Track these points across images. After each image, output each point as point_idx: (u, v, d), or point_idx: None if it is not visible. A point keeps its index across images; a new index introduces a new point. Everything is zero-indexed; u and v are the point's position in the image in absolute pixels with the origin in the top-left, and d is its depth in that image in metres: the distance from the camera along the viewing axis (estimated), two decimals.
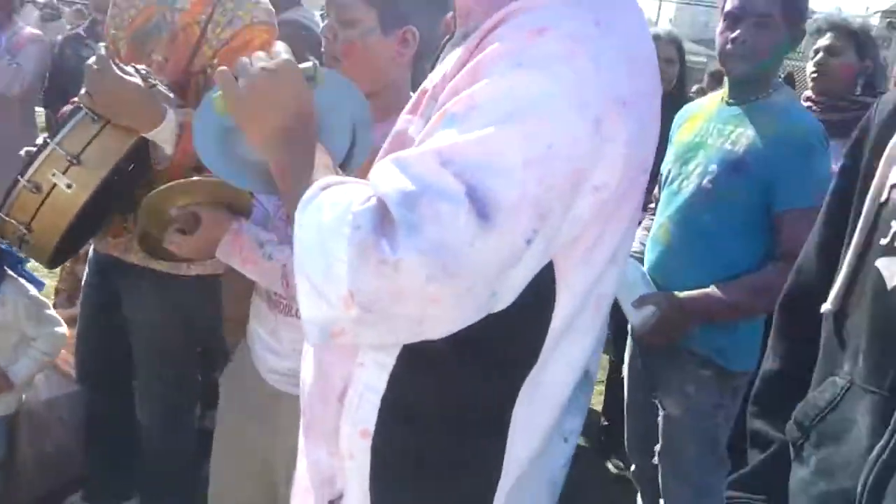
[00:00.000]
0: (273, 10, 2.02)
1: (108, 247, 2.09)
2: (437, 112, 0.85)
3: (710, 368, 1.93)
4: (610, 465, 3.23)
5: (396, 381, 0.93)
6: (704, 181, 1.90)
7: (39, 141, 1.72)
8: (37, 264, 2.01)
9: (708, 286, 1.86)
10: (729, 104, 1.98)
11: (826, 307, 0.97)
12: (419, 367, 0.91)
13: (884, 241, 0.89)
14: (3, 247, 2.22)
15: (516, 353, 0.93)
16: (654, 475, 2.13)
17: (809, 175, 1.75)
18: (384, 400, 0.94)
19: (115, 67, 1.68)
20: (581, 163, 0.81)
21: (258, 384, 1.61)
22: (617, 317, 1.98)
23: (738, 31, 1.89)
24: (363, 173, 0.93)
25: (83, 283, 2.32)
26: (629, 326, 2.07)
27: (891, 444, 0.84)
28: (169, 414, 2.23)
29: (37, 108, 4.33)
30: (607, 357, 3.37)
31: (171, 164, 1.80)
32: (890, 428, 0.84)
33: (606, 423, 3.36)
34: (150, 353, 2.17)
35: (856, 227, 0.94)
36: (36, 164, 1.64)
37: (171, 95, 1.79)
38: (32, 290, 2.36)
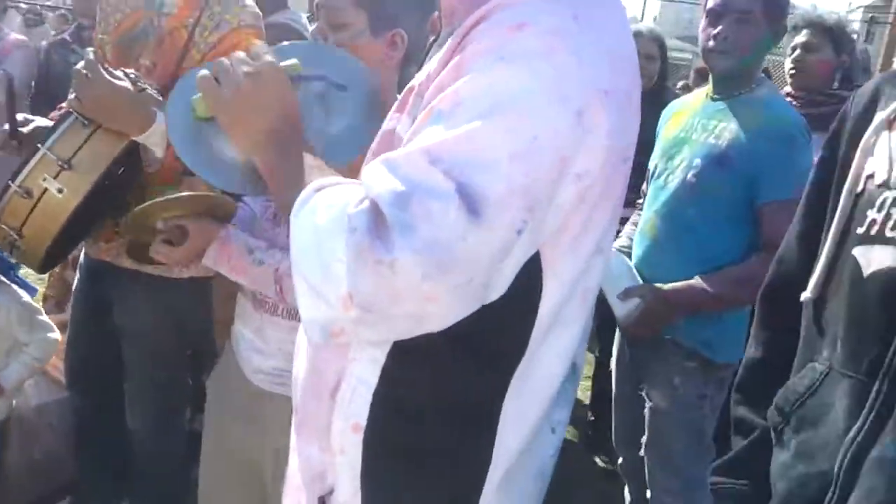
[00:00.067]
0: (260, 13, 2.04)
1: (100, 252, 2.09)
2: (423, 110, 0.87)
3: (696, 360, 1.95)
4: (598, 460, 3.26)
5: (388, 375, 0.94)
6: (689, 175, 1.93)
7: None
8: (28, 270, 2.02)
9: (693, 278, 1.90)
10: (713, 100, 2.01)
11: (806, 295, 0.99)
12: (410, 361, 0.93)
13: (860, 230, 0.91)
14: None
15: (506, 344, 0.94)
16: (641, 467, 2.15)
17: (791, 167, 1.78)
18: (376, 394, 0.95)
19: (104, 72, 1.69)
20: (564, 152, 0.83)
21: (243, 385, 1.62)
22: (602, 310, 2.01)
23: (720, 28, 1.92)
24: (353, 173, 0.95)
25: (74, 288, 2.32)
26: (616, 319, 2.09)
27: (866, 426, 0.87)
28: (160, 418, 2.23)
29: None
30: (593, 354, 3.41)
31: (162, 166, 1.82)
32: (865, 410, 0.87)
33: (593, 418, 3.39)
34: (143, 358, 2.17)
35: (834, 217, 0.96)
36: (27, 169, 1.64)
37: (161, 99, 1.80)
38: (25, 296, 2.35)
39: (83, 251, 2.21)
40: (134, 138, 1.74)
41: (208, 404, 1.77)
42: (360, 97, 1.22)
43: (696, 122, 2.00)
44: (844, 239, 0.94)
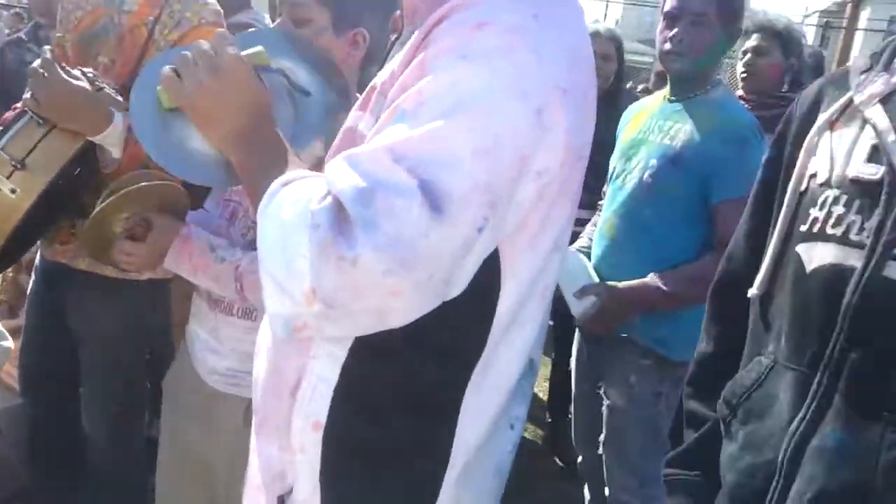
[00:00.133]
0: (221, 11, 2.03)
1: (56, 253, 2.05)
2: (386, 108, 0.87)
3: (651, 358, 1.99)
4: (557, 459, 3.29)
5: (349, 372, 0.95)
6: (645, 176, 1.97)
7: None
8: None
9: (648, 276, 1.93)
10: (670, 101, 2.06)
11: (752, 292, 1.02)
12: (371, 357, 0.94)
13: (803, 228, 0.94)
14: None
15: (465, 341, 0.96)
16: (600, 466, 2.18)
17: (743, 166, 1.82)
18: (336, 391, 0.96)
19: (60, 71, 1.67)
20: (524, 150, 0.84)
21: (198, 385, 1.61)
22: (560, 311, 2.04)
23: (675, 30, 1.97)
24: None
25: (29, 291, 2.28)
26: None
27: (808, 417, 0.90)
28: (117, 425, 2.19)
29: None
30: (549, 356, 3.43)
31: (119, 167, 1.80)
32: (807, 402, 0.90)
33: (550, 419, 3.43)
34: (99, 362, 2.13)
35: (779, 215, 0.99)
36: None
37: (119, 98, 1.79)
38: None
39: (38, 253, 2.17)
40: (90, 138, 1.72)
41: (164, 406, 1.75)
42: (325, 85, 1.22)
43: (654, 124, 2.05)
44: (789, 237, 0.97)
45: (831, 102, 0.98)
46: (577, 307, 2.01)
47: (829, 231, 0.91)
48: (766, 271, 1.00)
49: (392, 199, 0.77)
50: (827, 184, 0.93)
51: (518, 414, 1.08)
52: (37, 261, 2.20)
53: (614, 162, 2.13)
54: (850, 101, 0.95)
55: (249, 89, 1.04)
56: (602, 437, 2.14)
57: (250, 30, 1.26)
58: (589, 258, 2.13)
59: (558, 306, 2.03)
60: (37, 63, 1.67)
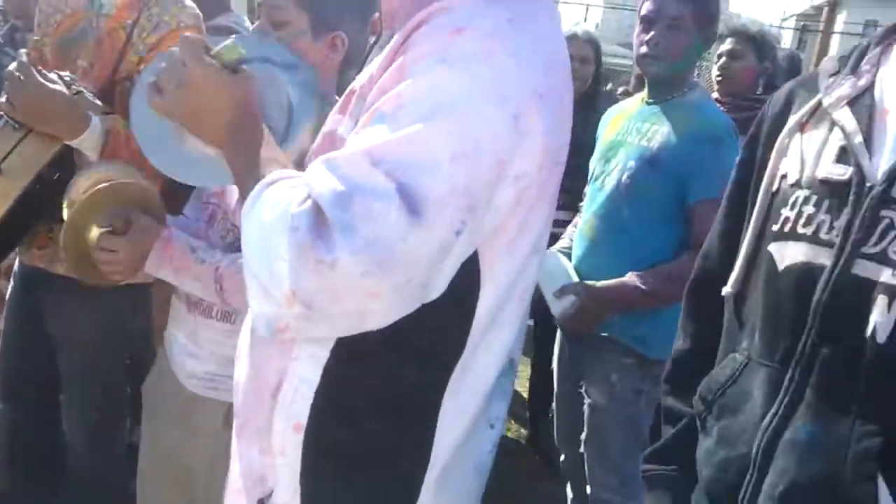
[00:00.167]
0: (200, 14, 2.02)
1: (34, 258, 2.04)
2: (366, 112, 0.88)
3: (632, 356, 2.01)
4: (539, 458, 3.30)
5: (330, 374, 0.96)
6: (623, 177, 2.00)
7: None
8: None
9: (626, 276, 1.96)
10: (648, 104, 2.08)
11: (727, 290, 1.04)
12: (352, 359, 0.94)
13: (775, 228, 0.96)
14: None
15: (445, 343, 0.97)
16: (582, 464, 2.20)
17: (718, 167, 1.83)
18: (318, 393, 0.96)
19: (37, 74, 1.66)
20: (502, 155, 0.85)
21: (178, 390, 1.61)
22: (541, 311, 2.05)
23: (652, 34, 1.99)
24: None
25: (7, 296, 2.25)
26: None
27: (780, 412, 0.92)
28: (98, 430, 2.17)
29: None
30: (529, 357, 3.44)
31: None
32: (779, 397, 0.92)
33: (530, 419, 3.45)
34: (80, 369, 2.11)
35: (752, 215, 1.01)
36: None
37: (97, 102, 1.78)
38: None
39: (17, 258, 2.15)
40: (68, 143, 1.71)
41: (144, 411, 1.75)
42: (301, 84, 1.22)
43: (632, 126, 2.07)
44: (761, 236, 0.99)
45: (801, 105, 1.00)
46: (557, 306, 2.03)
47: (800, 230, 0.93)
48: (739, 270, 1.02)
49: (370, 203, 0.78)
50: (797, 184, 0.95)
51: (498, 413, 1.09)
52: (15, 266, 2.18)
53: (594, 164, 2.15)
54: (820, 103, 0.97)
55: (223, 91, 1.02)
56: (583, 436, 2.16)
57: (231, 38, 1.27)
58: (570, 259, 2.15)
59: (539, 306, 2.05)
60: (13, 66, 1.66)
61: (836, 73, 0.97)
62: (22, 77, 1.63)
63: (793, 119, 1.00)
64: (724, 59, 2.82)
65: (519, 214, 0.93)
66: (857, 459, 0.85)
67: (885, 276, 0.85)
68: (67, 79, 1.74)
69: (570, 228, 2.30)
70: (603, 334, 2.04)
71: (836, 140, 0.93)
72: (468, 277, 0.92)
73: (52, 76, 1.71)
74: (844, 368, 0.88)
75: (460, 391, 0.99)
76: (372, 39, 1.55)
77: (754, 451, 0.93)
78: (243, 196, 0.93)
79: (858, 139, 0.90)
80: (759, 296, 0.99)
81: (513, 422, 3.49)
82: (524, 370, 3.52)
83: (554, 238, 2.09)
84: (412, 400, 0.98)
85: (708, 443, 1.02)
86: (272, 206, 0.84)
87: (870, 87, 0.93)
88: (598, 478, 2.14)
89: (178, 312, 1.62)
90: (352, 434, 0.97)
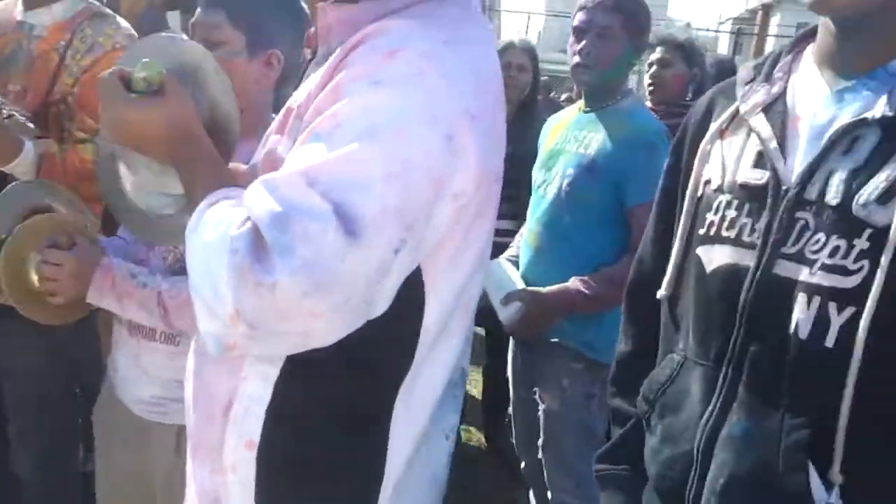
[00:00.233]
0: (135, 34, 2.00)
1: None
2: (302, 131, 0.89)
3: (582, 361, 2.05)
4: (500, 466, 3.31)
5: (280, 391, 0.96)
6: (564, 185, 2.04)
7: None
8: None
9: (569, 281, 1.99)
10: (584, 112, 2.13)
11: (661, 293, 1.07)
12: (301, 375, 0.95)
13: (702, 231, 1.00)
14: None
15: (392, 357, 0.98)
16: (542, 470, 2.22)
17: (653, 171, 1.86)
18: (269, 410, 0.96)
19: None
20: (438, 173, 0.86)
21: (127, 416, 1.59)
22: (494, 319, 2.07)
23: (583, 44, 2.05)
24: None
25: None
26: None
27: (716, 409, 0.95)
28: (50, 462, 2.12)
29: None
30: (480, 366, 3.46)
31: None
32: (715, 395, 0.95)
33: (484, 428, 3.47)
34: (28, 400, 2.06)
35: (681, 220, 1.05)
36: None
37: (30, 126, 1.75)
38: None
39: None
40: (0, 168, 1.68)
41: (96, 438, 1.72)
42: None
43: (570, 134, 2.11)
44: (690, 240, 1.02)
45: (721, 112, 1.04)
46: (504, 313, 2.06)
47: (724, 233, 0.96)
48: (671, 273, 1.05)
49: (307, 224, 0.78)
50: (720, 189, 0.98)
51: (452, 423, 1.11)
52: None
53: (536, 172, 2.19)
54: (737, 110, 1.00)
55: (150, 120, 0.99)
56: (540, 442, 2.19)
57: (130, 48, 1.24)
58: (517, 267, 2.18)
59: (490, 315, 2.06)
60: None
61: (752, 81, 1.01)
62: None
63: (713, 126, 1.03)
64: (654, 67, 2.91)
65: (459, 230, 0.94)
66: (788, 452, 0.88)
67: (804, 275, 0.88)
68: None
69: (517, 237, 2.33)
70: (553, 340, 2.07)
71: (754, 146, 0.97)
72: (412, 292, 0.93)
73: None
74: (771, 365, 0.91)
75: (410, 403, 1.00)
76: (308, 54, 1.56)
77: (696, 447, 0.96)
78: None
79: (773, 144, 0.93)
80: (690, 297, 1.02)
81: (473, 430, 3.50)
82: (477, 378, 3.54)
83: (499, 247, 2.12)
84: (363, 413, 0.98)
85: (653, 441, 1.05)
86: (213, 227, 0.85)
87: (782, 94, 0.97)
88: (556, 482, 2.16)
89: (120, 337, 1.60)
90: (305, 449, 0.98)
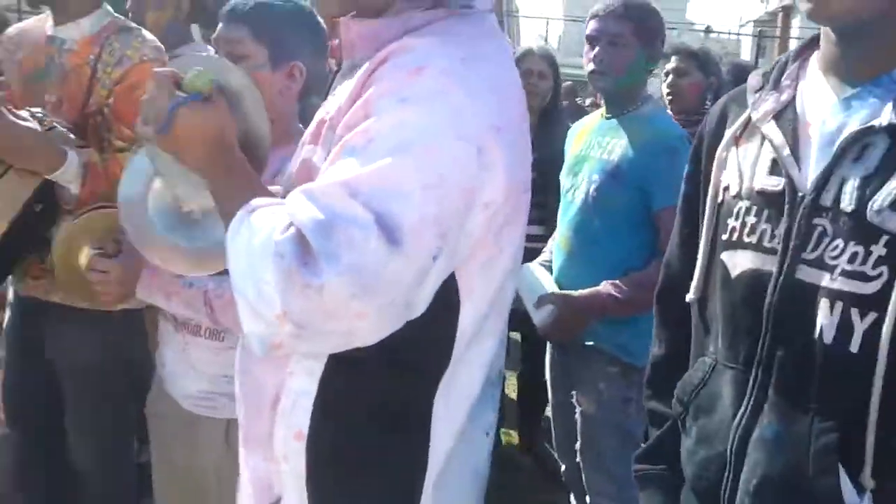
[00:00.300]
0: (161, 46, 2.05)
1: (29, 288, 2.05)
2: (335, 144, 0.92)
3: (617, 365, 2.05)
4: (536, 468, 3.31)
5: (326, 386, 0.99)
6: (591, 190, 2.05)
7: None
8: None
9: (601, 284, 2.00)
10: (606, 118, 2.14)
11: (689, 297, 1.08)
12: (345, 371, 0.98)
13: (724, 237, 1.01)
14: None
15: (431, 356, 1.00)
16: (581, 473, 2.22)
17: (676, 174, 1.85)
18: (316, 402, 1.00)
19: (7, 114, 1.68)
20: (469, 184, 0.90)
21: (176, 410, 1.62)
22: (530, 324, 2.08)
23: (596, 51, 2.07)
24: None
25: (6, 326, 2.26)
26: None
27: (748, 411, 0.96)
28: (106, 455, 2.17)
29: None
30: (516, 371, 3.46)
31: (79, 202, 1.80)
32: (746, 397, 0.96)
33: (520, 432, 3.47)
34: (83, 395, 2.12)
35: (704, 225, 1.06)
36: None
37: (71, 136, 1.80)
38: None
39: (12, 289, 2.16)
40: (47, 177, 1.73)
41: (150, 430, 1.77)
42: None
43: (593, 140, 2.13)
44: (714, 245, 1.03)
45: (734, 119, 1.05)
46: (537, 317, 2.07)
47: (746, 239, 0.97)
48: (698, 278, 1.06)
49: (351, 232, 0.81)
50: (738, 196, 1.00)
51: (490, 421, 1.13)
52: (10, 296, 2.19)
53: (563, 178, 2.21)
54: (749, 118, 1.01)
55: (196, 125, 1.02)
56: (578, 445, 2.19)
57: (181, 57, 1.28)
58: (550, 271, 2.20)
59: (526, 320, 2.09)
60: None
61: (762, 88, 1.01)
62: None
63: (728, 133, 1.04)
64: (670, 77, 2.91)
65: (491, 238, 0.97)
66: (818, 455, 0.89)
67: (825, 280, 0.88)
68: (39, 115, 1.76)
69: (549, 242, 2.34)
70: (588, 343, 2.07)
71: (768, 153, 0.98)
72: (448, 296, 0.96)
73: (24, 114, 1.73)
74: (798, 369, 0.91)
75: (450, 400, 1.02)
76: (333, 64, 1.59)
77: (729, 449, 0.97)
78: (227, 220, 0.95)
79: (786, 152, 0.94)
80: (717, 302, 1.02)
81: (511, 433, 3.51)
82: (514, 382, 3.54)
83: (529, 252, 2.13)
84: (405, 408, 1.01)
85: (689, 443, 1.06)
86: (256, 233, 0.88)
87: (791, 102, 0.98)
88: (594, 485, 2.16)
89: (167, 332, 1.63)
90: (351, 442, 1.01)
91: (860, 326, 0.86)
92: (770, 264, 0.94)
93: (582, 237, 2.09)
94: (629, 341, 2.02)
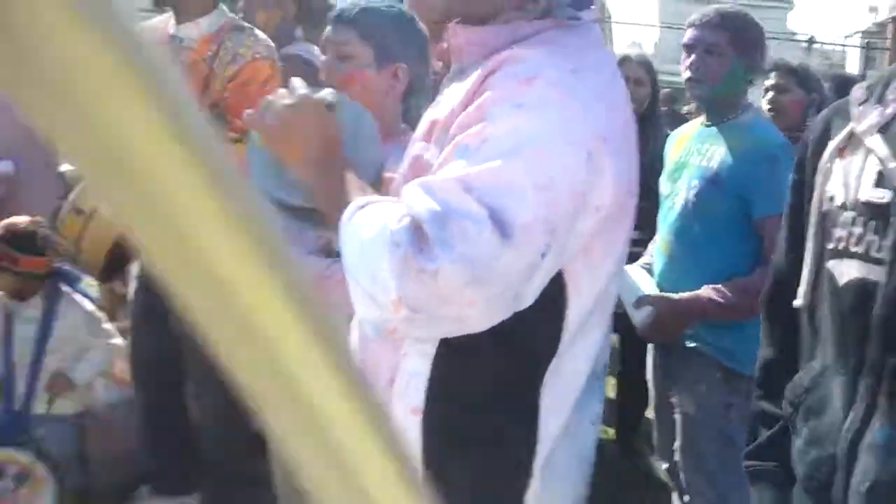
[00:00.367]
0: (273, 45, 2.16)
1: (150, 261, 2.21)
2: (448, 143, 0.97)
3: (720, 370, 2.04)
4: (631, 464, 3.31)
5: (439, 367, 1.03)
6: (690, 196, 2.06)
7: (65, 167, 1.84)
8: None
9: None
10: (706, 126, 2.14)
11: (797, 303, 1.09)
12: (457, 354, 1.02)
13: (831, 246, 1.02)
14: (60, 266, 2.39)
15: (538, 346, 1.04)
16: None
17: (777, 182, 1.83)
18: (430, 382, 1.04)
19: None
20: (579, 188, 0.93)
21: None
22: (628, 324, 2.10)
23: (692, 59, 2.07)
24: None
25: (133, 291, 2.43)
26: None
27: (857, 416, 0.97)
28: (225, 413, 2.26)
29: None
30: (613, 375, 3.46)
31: None
32: (856, 403, 0.98)
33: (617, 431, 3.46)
34: (202, 364, 2.17)
35: (811, 234, 1.07)
36: (77, 189, 1.76)
37: None
38: (89, 305, 2.56)
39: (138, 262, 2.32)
40: None
41: None
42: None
43: (693, 147, 2.13)
44: (821, 253, 1.04)
45: (838, 131, 1.06)
46: (636, 317, 2.09)
47: (853, 249, 0.98)
48: (806, 285, 1.08)
49: (465, 224, 0.86)
50: (844, 206, 1.01)
51: (595, 411, 1.17)
52: (136, 266, 2.35)
53: (663, 185, 2.22)
54: (853, 130, 1.02)
55: (321, 122, 1.13)
56: (677, 444, 2.18)
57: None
58: (651, 274, 2.21)
59: (624, 320, 2.09)
60: None
61: (866, 101, 1.02)
62: None
63: (832, 144, 1.05)
64: (770, 93, 2.85)
65: (599, 239, 1.00)
66: None
67: None
68: None
69: (650, 245, 2.35)
70: (690, 345, 2.07)
71: (873, 165, 0.98)
72: (556, 291, 1.00)
73: None
74: None
75: (556, 390, 1.06)
76: (439, 66, 1.65)
77: (839, 452, 0.99)
78: (330, 215, 1.02)
79: (892, 164, 0.95)
80: (825, 310, 1.04)
81: (606, 430, 3.48)
82: (611, 382, 3.53)
83: (629, 256, 2.13)
84: (514, 393, 1.05)
85: (799, 443, 1.08)
86: (369, 226, 0.93)
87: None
88: (693, 486, 2.15)
89: None
90: (465, 421, 1.05)
91: None
92: (877, 274, 0.95)
93: (682, 242, 2.09)
94: (733, 346, 2.01)
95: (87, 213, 1.76)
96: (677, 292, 2.06)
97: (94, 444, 2.58)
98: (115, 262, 1.89)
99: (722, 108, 2.09)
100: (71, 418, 2.55)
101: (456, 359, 1.03)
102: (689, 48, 2.11)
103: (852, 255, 0.98)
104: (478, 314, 0.90)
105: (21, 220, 2.46)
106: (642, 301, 2.08)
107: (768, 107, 2.86)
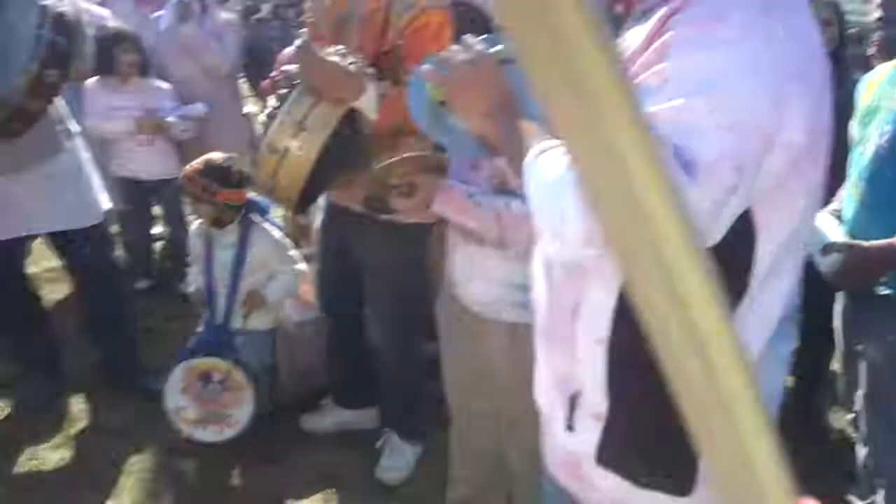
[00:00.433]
0: None
1: (337, 196, 2.40)
2: None
3: None
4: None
5: (623, 299, 1.07)
6: (882, 141, 1.95)
7: (247, 109, 2.02)
8: None
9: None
10: None
11: None
12: None
13: None
14: (253, 198, 2.66)
15: (728, 284, 1.07)
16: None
17: None
18: (614, 313, 1.08)
19: (317, 51, 1.95)
20: (766, 129, 0.92)
21: (463, 314, 1.79)
22: (812, 273, 2.02)
23: None
24: None
25: (320, 225, 2.65)
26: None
27: None
28: (400, 343, 2.51)
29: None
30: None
31: (376, 128, 2.06)
32: None
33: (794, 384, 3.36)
34: (380, 291, 2.46)
35: None
36: (271, 131, 1.94)
37: (369, 70, 2.05)
38: (277, 234, 2.82)
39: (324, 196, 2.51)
40: (350, 104, 1.99)
41: (439, 327, 1.98)
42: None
43: (885, 91, 2.02)
44: None
45: None
46: (823, 264, 2.02)
47: None
48: None
49: None
50: None
51: (785, 352, 1.18)
52: (322, 200, 2.55)
53: (854, 130, 2.12)
54: None
55: (496, 77, 1.18)
56: (861, 392, 2.12)
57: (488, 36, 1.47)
58: (840, 220, 2.12)
59: (808, 266, 2.05)
60: (297, 44, 1.99)
61: None
62: (304, 55, 1.93)
63: None
64: None
65: (791, 177, 0.99)
66: None
67: None
68: (342, 52, 2.02)
69: (839, 191, 2.24)
70: (884, 293, 1.99)
71: None
72: (745, 229, 1.00)
73: (329, 50, 2.00)
74: None
75: (747, 330, 1.06)
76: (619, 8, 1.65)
77: None
78: (512, 159, 1.07)
79: None
80: None
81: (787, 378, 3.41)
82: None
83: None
84: None
85: None
86: (553, 167, 0.96)
87: None
88: (874, 434, 2.08)
89: (457, 241, 1.81)
90: (648, 346, 1.10)
91: None
92: None
93: (875, 188, 1.99)
94: None
95: (282, 152, 1.92)
96: (868, 238, 1.97)
97: (282, 359, 2.86)
98: (306, 196, 2.06)
99: None
100: (263, 333, 2.82)
101: None
102: None
103: None
104: None
105: (217, 156, 2.73)
106: (830, 248, 2.00)
107: None
